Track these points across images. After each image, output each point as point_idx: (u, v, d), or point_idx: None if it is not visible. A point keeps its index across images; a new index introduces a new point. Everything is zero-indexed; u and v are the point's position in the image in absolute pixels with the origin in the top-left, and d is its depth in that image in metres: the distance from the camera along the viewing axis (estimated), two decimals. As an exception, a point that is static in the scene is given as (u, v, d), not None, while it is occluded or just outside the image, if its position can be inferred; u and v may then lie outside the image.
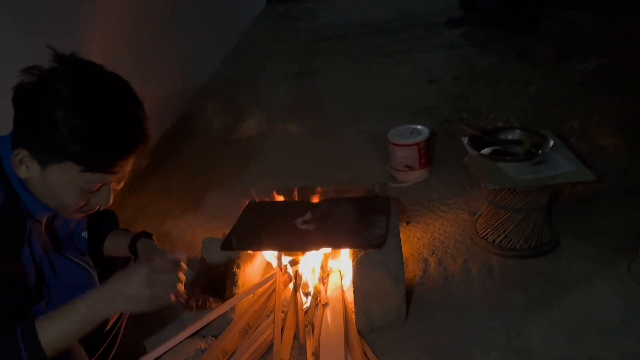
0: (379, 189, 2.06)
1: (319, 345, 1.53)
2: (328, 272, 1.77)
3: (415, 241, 2.00)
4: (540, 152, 1.80)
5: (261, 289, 1.72)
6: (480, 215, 2.01)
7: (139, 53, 2.86)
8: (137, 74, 2.70)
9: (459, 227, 2.06)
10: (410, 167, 2.38)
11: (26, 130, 0.96)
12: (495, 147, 1.90)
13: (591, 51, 3.40)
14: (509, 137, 1.92)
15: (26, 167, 0.98)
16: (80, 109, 0.93)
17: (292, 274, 1.75)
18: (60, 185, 1.00)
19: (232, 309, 1.64)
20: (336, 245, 1.64)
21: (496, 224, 1.86)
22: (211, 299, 1.65)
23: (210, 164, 2.79)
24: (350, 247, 1.63)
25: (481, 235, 1.92)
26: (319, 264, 1.78)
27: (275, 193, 1.98)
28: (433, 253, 1.93)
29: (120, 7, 2.66)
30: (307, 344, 1.55)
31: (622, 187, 2.15)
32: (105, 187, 1.06)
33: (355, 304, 1.58)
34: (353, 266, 1.57)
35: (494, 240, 1.88)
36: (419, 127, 2.43)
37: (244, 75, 4.20)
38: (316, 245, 1.64)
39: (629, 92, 2.84)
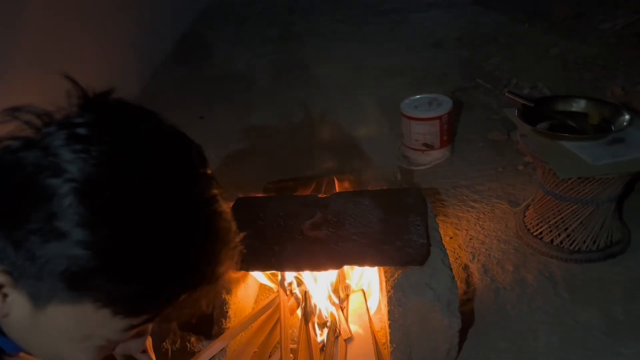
0: (400, 176, 1.64)
1: (345, 399, 1.12)
2: (347, 292, 1.35)
3: (447, 241, 1.59)
4: (614, 127, 1.40)
5: (260, 320, 1.28)
6: (527, 207, 1.61)
7: (100, 15, 2.34)
8: (100, 38, 2.23)
9: (500, 221, 1.66)
10: (429, 146, 1.96)
11: (10, 235, 0.48)
12: (552, 121, 1.49)
13: (614, 8, 3.00)
14: (570, 108, 1.50)
15: (2, 299, 0.51)
16: (124, 206, 0.47)
17: (299, 296, 1.33)
18: (68, 334, 0.53)
19: (223, 350, 1.21)
20: (362, 261, 1.21)
21: (555, 220, 1.46)
22: (192, 338, 1.21)
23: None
24: (380, 264, 1.21)
25: (533, 234, 1.52)
26: (334, 281, 1.36)
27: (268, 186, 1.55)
28: (474, 258, 1.52)
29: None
30: (329, 397, 1.13)
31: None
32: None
33: (391, 341, 1.17)
34: (388, 291, 1.15)
35: (551, 240, 1.48)
36: (439, 96, 2.00)
37: (216, 40, 3.67)
38: (335, 263, 1.21)
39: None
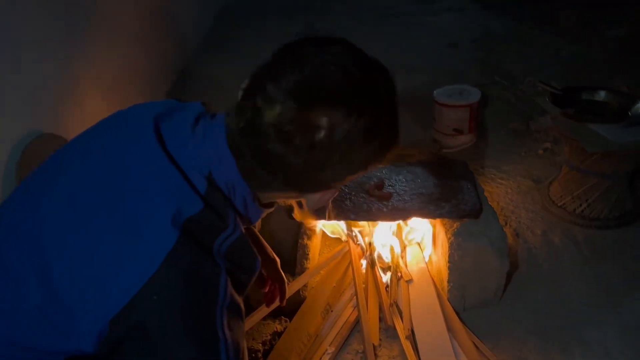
0: (442, 152, 1.87)
1: (411, 327, 1.34)
2: (405, 244, 1.57)
3: (484, 211, 1.82)
4: (630, 113, 1.64)
5: (333, 263, 1.50)
6: (552, 182, 1.84)
7: (133, 13, 2.54)
8: (135, 33, 2.42)
9: (526, 195, 1.89)
10: (459, 131, 2.19)
11: (268, 150, 0.69)
12: (576, 108, 1.73)
13: (618, 17, 3.27)
14: (593, 97, 1.75)
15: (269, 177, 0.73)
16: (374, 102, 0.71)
17: (364, 246, 1.54)
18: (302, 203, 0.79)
19: (305, 285, 1.42)
20: (424, 214, 1.43)
21: (578, 192, 1.70)
22: (281, 275, 1.42)
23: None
24: (441, 216, 1.43)
25: (558, 204, 1.76)
26: (393, 235, 1.58)
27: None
28: (506, 224, 1.75)
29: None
30: (397, 325, 1.35)
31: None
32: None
33: (449, 280, 1.39)
34: (449, 238, 1.38)
35: (574, 210, 1.72)
36: (468, 87, 2.23)
37: (241, 35, 3.87)
38: (401, 215, 1.43)
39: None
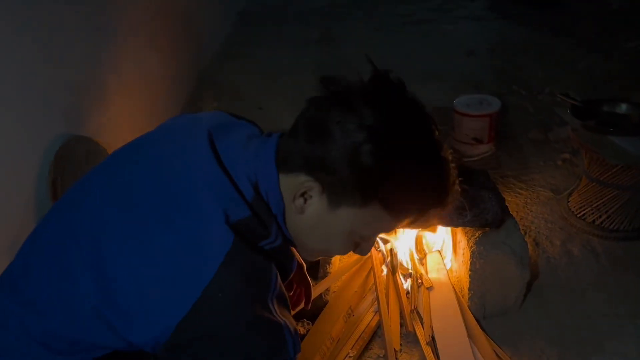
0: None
1: (431, 333, 1.36)
2: (426, 252, 1.59)
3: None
4: (651, 126, 1.66)
5: (355, 268, 1.53)
6: (570, 193, 1.86)
7: (156, 20, 2.59)
8: (157, 39, 2.47)
9: (545, 206, 1.90)
10: (478, 140, 2.21)
11: (322, 158, 0.73)
12: (597, 120, 1.74)
13: (637, 29, 3.28)
14: (614, 110, 1.76)
15: (304, 201, 0.76)
16: (406, 143, 0.74)
17: (385, 252, 1.57)
18: (342, 231, 0.79)
19: (328, 289, 1.45)
20: (446, 222, 1.46)
21: (598, 204, 1.72)
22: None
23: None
24: (463, 225, 1.44)
25: (577, 215, 1.77)
26: (414, 243, 1.60)
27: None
28: (525, 234, 1.77)
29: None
30: (417, 331, 1.38)
31: None
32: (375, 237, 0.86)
33: (470, 288, 1.41)
34: (471, 247, 1.40)
35: (593, 221, 1.73)
36: (488, 97, 2.25)
37: (259, 39, 3.92)
38: (425, 223, 1.45)
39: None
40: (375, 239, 0.88)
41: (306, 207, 0.76)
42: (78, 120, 1.66)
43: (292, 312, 1.28)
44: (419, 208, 0.79)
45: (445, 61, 3.33)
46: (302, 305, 1.18)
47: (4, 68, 1.30)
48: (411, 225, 0.83)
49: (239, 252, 0.69)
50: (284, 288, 0.76)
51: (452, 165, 0.80)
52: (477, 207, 1.47)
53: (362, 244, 0.85)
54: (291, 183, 0.77)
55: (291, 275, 0.85)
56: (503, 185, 2.04)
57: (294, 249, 0.86)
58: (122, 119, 1.96)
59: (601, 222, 1.72)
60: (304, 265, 1.15)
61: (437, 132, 0.79)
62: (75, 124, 1.63)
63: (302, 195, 0.77)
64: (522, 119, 2.50)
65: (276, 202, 0.78)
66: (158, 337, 0.67)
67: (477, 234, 1.41)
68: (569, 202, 1.84)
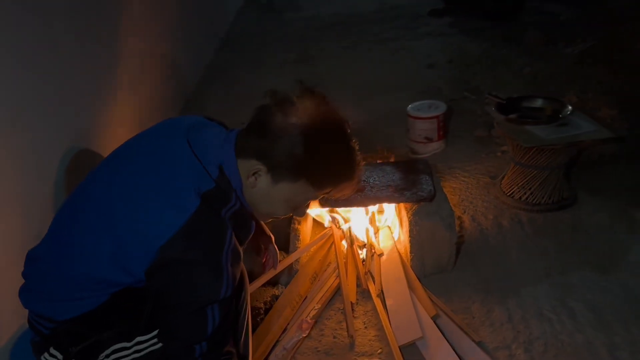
0: (412, 155, 2.23)
1: (381, 288, 1.69)
2: (378, 227, 1.93)
3: (446, 201, 2.18)
4: (561, 115, 2.01)
5: (319, 243, 1.86)
6: (503, 177, 2.20)
7: (147, 47, 2.95)
8: (140, 68, 2.82)
9: (483, 189, 2.25)
10: (429, 139, 2.56)
11: (267, 148, 1.06)
12: (518, 114, 2.09)
13: (576, 36, 3.66)
14: (531, 104, 2.12)
15: (255, 179, 1.09)
16: (320, 139, 1.06)
17: (345, 230, 1.90)
18: (283, 199, 1.13)
19: (297, 260, 1.77)
20: (390, 200, 1.79)
21: (522, 183, 2.06)
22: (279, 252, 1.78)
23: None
24: (404, 201, 1.78)
25: (507, 194, 2.12)
26: (368, 220, 1.93)
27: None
28: (465, 212, 2.11)
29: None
30: (370, 288, 1.70)
31: (623, 151, 2.38)
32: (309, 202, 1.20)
33: (410, 251, 1.75)
34: (409, 217, 1.73)
35: (520, 197, 2.07)
36: (436, 101, 2.61)
37: (241, 63, 4.29)
38: (372, 201, 1.79)
39: (617, 69, 3.10)
40: (307, 204, 1.21)
41: (257, 183, 1.10)
42: (87, 136, 2.00)
43: (266, 277, 1.61)
44: (335, 182, 1.14)
45: (410, 73, 3.70)
46: (272, 268, 1.52)
47: (19, 86, 1.63)
48: (330, 194, 1.17)
49: (203, 211, 1.02)
50: (237, 245, 1.09)
51: (358, 152, 1.15)
52: (415, 187, 1.81)
53: (298, 208, 1.19)
54: (246, 166, 1.10)
55: (251, 234, 1.18)
56: (450, 174, 2.38)
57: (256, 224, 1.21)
58: (122, 134, 2.29)
59: (526, 198, 2.06)
60: (272, 237, 1.49)
61: (349, 129, 1.14)
62: (84, 139, 1.97)
63: (254, 174, 1.10)
64: (470, 120, 2.85)
65: (236, 180, 1.10)
66: (149, 262, 1.00)
67: (414, 208, 1.74)
68: (501, 184, 2.18)
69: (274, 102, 1.07)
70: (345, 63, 4.10)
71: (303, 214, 1.25)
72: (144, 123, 2.61)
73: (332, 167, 1.11)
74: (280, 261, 1.74)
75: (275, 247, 1.52)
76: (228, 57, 4.50)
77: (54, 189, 1.71)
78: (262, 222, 1.49)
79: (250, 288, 1.62)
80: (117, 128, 2.26)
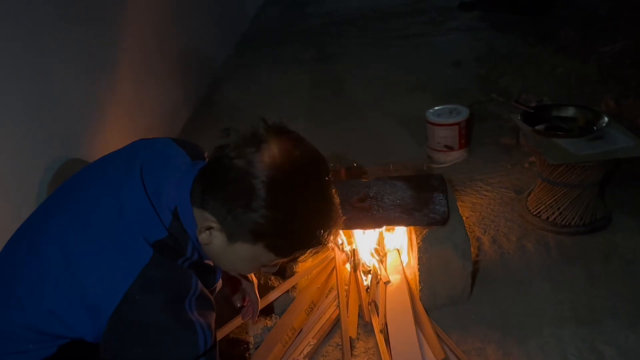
0: (427, 168, 2.04)
1: (385, 322, 1.51)
2: (385, 250, 1.75)
3: (464, 219, 1.97)
4: (595, 127, 1.79)
5: (320, 267, 1.69)
6: (529, 194, 1.99)
7: (157, 41, 2.82)
8: (155, 61, 2.69)
9: (507, 205, 2.04)
10: (449, 148, 2.36)
11: (222, 202, 0.88)
12: (547, 124, 1.88)
13: (615, 33, 3.39)
14: (562, 114, 1.90)
15: (209, 234, 0.91)
16: (285, 199, 0.87)
17: (349, 252, 1.73)
18: (243, 259, 0.95)
19: (294, 287, 1.62)
20: (397, 222, 1.62)
21: (550, 201, 1.85)
22: (272, 277, 1.62)
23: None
24: (413, 224, 1.60)
25: (533, 213, 1.91)
26: (375, 243, 1.76)
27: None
28: (485, 232, 1.91)
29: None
30: (373, 321, 1.53)
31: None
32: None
33: (420, 281, 1.56)
34: (418, 243, 1.55)
35: (547, 218, 1.87)
36: (458, 106, 2.40)
37: (259, 60, 4.14)
38: (377, 223, 1.62)
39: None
40: (278, 262, 1.02)
41: (211, 239, 0.93)
42: (76, 143, 1.88)
43: (242, 321, 1.44)
44: (301, 249, 0.95)
45: (432, 72, 3.50)
46: (251, 317, 1.37)
47: (5, 93, 1.51)
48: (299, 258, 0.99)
49: (156, 262, 0.86)
50: (205, 291, 0.93)
51: (337, 209, 0.95)
52: (426, 208, 1.63)
53: (265, 266, 1.01)
54: (200, 217, 0.92)
55: (217, 284, 1.02)
56: (470, 188, 2.18)
57: None
58: (119, 141, 2.16)
59: (554, 219, 1.85)
60: (255, 282, 1.33)
61: (327, 181, 0.93)
62: (72, 147, 1.84)
63: (207, 229, 0.92)
64: (496, 126, 2.64)
65: (191, 228, 0.94)
66: (98, 326, 0.85)
67: (424, 232, 1.56)
68: (527, 201, 1.97)
69: (233, 147, 0.89)
70: (364, 60, 3.92)
71: (274, 270, 1.06)
72: (148, 127, 2.49)
73: (298, 234, 0.92)
74: (278, 287, 1.59)
75: (257, 294, 1.36)
76: (246, 53, 4.37)
77: (36, 200, 1.60)
78: None
79: (225, 329, 1.47)
80: (114, 133, 2.13)
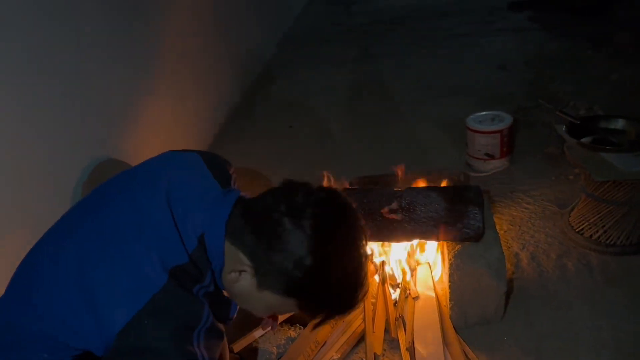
0: (464, 178, 1.97)
1: (412, 339, 1.46)
2: (416, 264, 1.70)
3: (502, 234, 1.90)
4: (647, 142, 1.68)
5: (347, 279, 1.65)
6: (573, 209, 1.89)
7: (201, 36, 2.84)
8: (197, 59, 2.70)
9: (549, 220, 1.95)
10: (490, 156, 2.27)
11: (263, 251, 0.89)
12: (595, 136, 1.78)
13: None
14: (611, 126, 1.79)
15: (239, 275, 0.92)
16: (326, 266, 0.88)
17: (377, 264, 1.68)
18: (264, 305, 0.95)
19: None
20: (429, 236, 1.56)
21: (595, 219, 1.75)
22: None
23: (277, 152, 2.72)
24: (445, 239, 1.54)
25: (576, 230, 1.81)
26: (405, 256, 1.71)
27: (347, 182, 1.92)
28: (524, 247, 1.83)
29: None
30: (400, 337, 1.49)
31: None
32: None
33: (450, 299, 1.51)
34: (449, 259, 1.49)
35: (591, 236, 1.76)
36: (501, 113, 2.31)
37: (301, 60, 4.12)
38: (407, 236, 1.57)
39: None
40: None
41: (239, 280, 0.92)
42: (112, 143, 1.91)
43: (263, 332, 1.43)
44: (328, 313, 0.96)
45: (477, 74, 3.39)
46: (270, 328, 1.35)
47: (43, 94, 1.54)
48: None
49: (169, 290, 0.85)
50: (216, 323, 0.91)
51: (367, 285, 0.95)
52: (460, 222, 1.56)
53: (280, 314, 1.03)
54: (232, 255, 0.91)
55: (232, 315, 1.01)
56: (511, 200, 2.09)
57: None
58: (154, 141, 2.19)
59: (599, 237, 1.75)
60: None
61: (364, 255, 0.94)
62: (108, 147, 1.87)
63: (239, 271, 0.91)
64: (542, 134, 2.53)
65: (217, 259, 0.93)
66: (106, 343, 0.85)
67: (457, 248, 1.50)
68: (570, 217, 1.87)
69: (286, 205, 0.89)
70: (407, 61, 3.84)
71: (283, 314, 1.06)
72: (187, 127, 2.51)
73: (329, 300, 0.93)
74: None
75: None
76: (289, 52, 4.36)
77: (71, 199, 1.63)
78: None
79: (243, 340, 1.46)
80: (151, 134, 2.16)
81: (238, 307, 1.00)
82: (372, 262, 1.69)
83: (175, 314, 0.85)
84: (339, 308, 0.96)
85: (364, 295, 0.96)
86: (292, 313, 1.02)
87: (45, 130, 1.55)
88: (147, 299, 0.83)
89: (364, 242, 0.95)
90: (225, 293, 1.01)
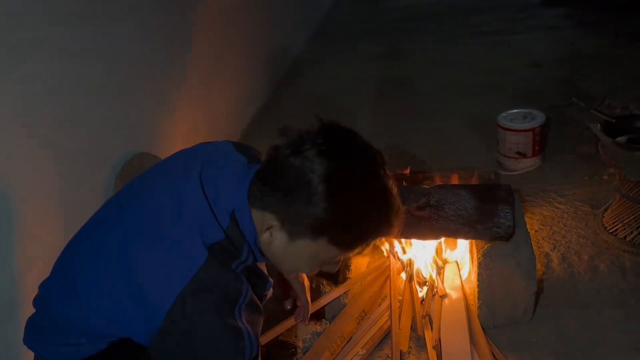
0: (495, 177, 1.95)
1: (439, 337, 1.46)
2: (444, 262, 1.68)
3: (533, 234, 1.87)
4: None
5: (374, 275, 1.66)
6: (606, 209, 1.85)
7: (234, 33, 2.86)
8: (230, 55, 2.72)
9: (581, 221, 1.91)
10: (522, 155, 2.23)
11: (281, 200, 0.88)
12: (630, 136, 1.73)
13: None
14: (649, 125, 1.75)
15: (270, 234, 0.92)
16: (343, 191, 0.86)
17: (405, 261, 1.68)
18: (304, 257, 0.94)
19: (346, 293, 1.59)
20: (458, 234, 1.55)
21: (629, 219, 1.71)
22: (324, 282, 1.60)
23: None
24: (474, 237, 1.53)
25: (609, 231, 1.77)
26: (433, 253, 1.70)
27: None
28: (555, 248, 1.79)
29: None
30: (426, 335, 1.48)
31: None
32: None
33: (478, 298, 1.49)
34: (478, 258, 1.48)
35: (625, 237, 1.72)
36: (533, 111, 2.27)
37: (330, 56, 4.12)
38: (435, 234, 1.56)
39: None
40: (339, 260, 1.00)
41: (272, 239, 0.92)
42: (144, 137, 1.94)
43: (295, 322, 1.44)
44: (364, 241, 0.93)
45: (509, 72, 3.33)
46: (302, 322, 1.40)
47: (77, 88, 1.57)
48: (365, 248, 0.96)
49: (210, 265, 0.86)
50: (255, 298, 0.93)
51: (396, 197, 0.92)
52: (490, 221, 1.55)
53: (327, 264, 0.99)
54: (259, 218, 0.92)
55: (268, 292, 1.02)
56: (543, 199, 2.06)
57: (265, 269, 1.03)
58: (184, 136, 2.22)
59: (633, 239, 1.71)
60: (307, 285, 1.33)
61: (384, 174, 0.91)
62: (141, 141, 1.91)
63: (267, 229, 0.92)
64: (575, 133, 2.47)
65: (249, 231, 0.93)
66: (152, 327, 0.87)
67: (486, 247, 1.48)
68: (603, 217, 1.83)
69: (288, 145, 0.88)
70: (436, 58, 3.80)
71: (335, 269, 1.04)
72: (216, 121, 2.54)
73: (359, 225, 0.90)
74: (330, 292, 1.57)
75: (309, 297, 1.36)
76: (317, 48, 4.36)
77: (104, 194, 1.67)
78: None
79: (291, 321, 1.48)
80: (182, 128, 2.19)
81: (271, 285, 1.00)
82: (399, 259, 1.68)
83: (217, 289, 0.87)
84: (371, 231, 0.92)
85: (398, 211, 0.92)
86: (337, 260, 0.98)
87: (82, 126, 1.58)
88: (190, 277, 0.85)
89: (378, 160, 0.91)
90: (263, 267, 1.02)
